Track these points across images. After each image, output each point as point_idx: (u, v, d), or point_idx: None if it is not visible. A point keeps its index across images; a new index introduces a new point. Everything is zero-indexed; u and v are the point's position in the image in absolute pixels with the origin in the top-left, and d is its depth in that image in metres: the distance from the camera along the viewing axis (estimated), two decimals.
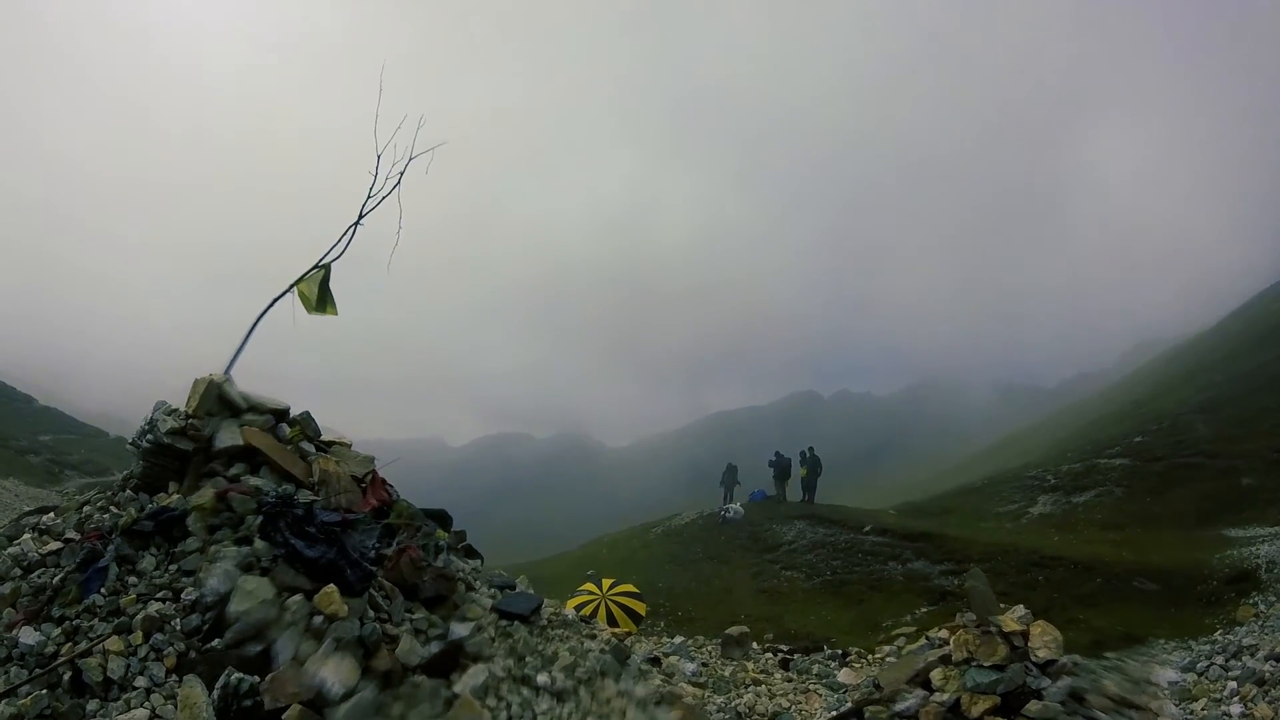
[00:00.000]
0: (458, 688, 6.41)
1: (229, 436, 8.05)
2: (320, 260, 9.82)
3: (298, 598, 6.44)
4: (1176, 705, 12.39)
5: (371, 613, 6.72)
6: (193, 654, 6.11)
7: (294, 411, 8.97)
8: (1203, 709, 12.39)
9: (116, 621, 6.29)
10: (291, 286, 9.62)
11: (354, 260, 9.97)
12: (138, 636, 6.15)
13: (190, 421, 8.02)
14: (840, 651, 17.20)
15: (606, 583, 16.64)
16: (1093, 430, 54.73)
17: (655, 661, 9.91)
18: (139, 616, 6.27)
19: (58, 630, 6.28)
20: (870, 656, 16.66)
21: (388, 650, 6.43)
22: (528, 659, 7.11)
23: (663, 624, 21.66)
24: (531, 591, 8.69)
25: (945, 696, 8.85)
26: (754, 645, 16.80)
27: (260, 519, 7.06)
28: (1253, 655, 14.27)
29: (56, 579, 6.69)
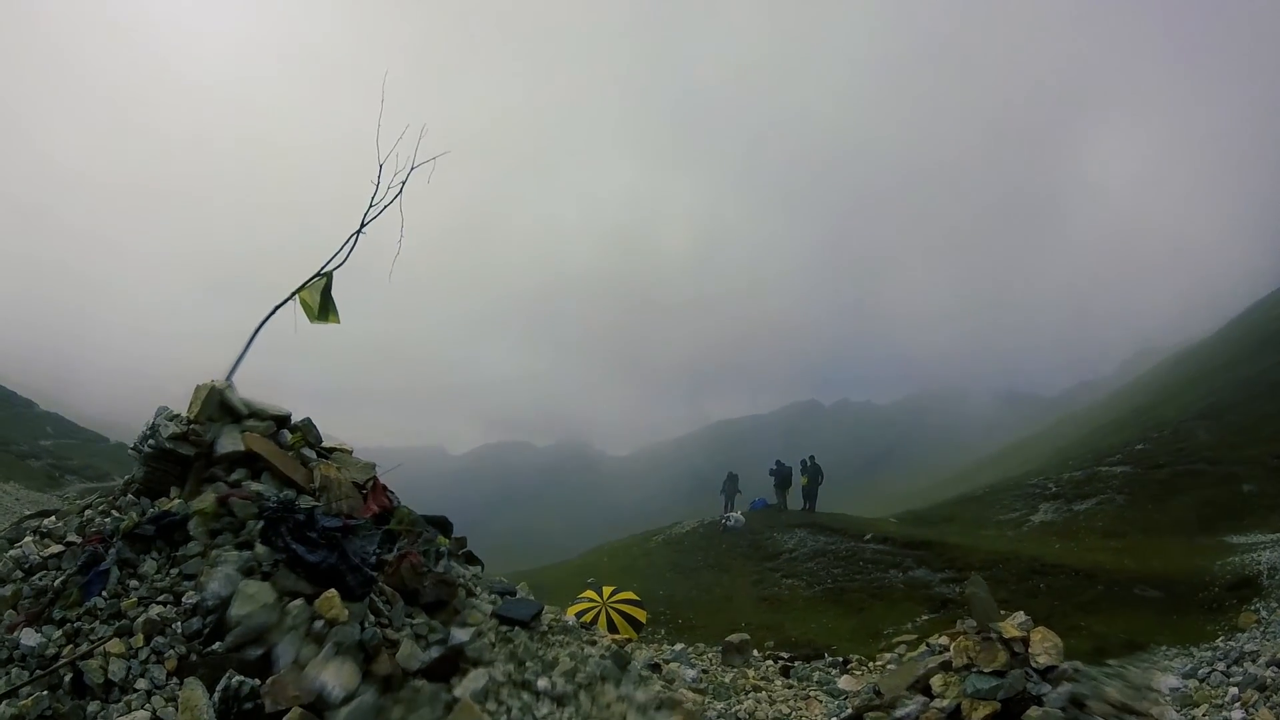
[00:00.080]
0: (458, 692, 6.42)
1: (230, 442, 8.08)
2: (322, 268, 9.86)
3: (299, 602, 6.46)
4: (1178, 711, 12.37)
5: (372, 617, 6.74)
6: (194, 657, 6.13)
7: (295, 418, 9.01)
8: (1204, 714, 12.37)
9: (118, 624, 6.31)
10: (293, 294, 9.66)
11: (355, 269, 10.00)
12: (139, 639, 6.18)
13: (192, 427, 8.05)
14: (841, 659, 17.18)
15: (607, 590, 16.64)
16: (1094, 438, 54.70)
17: (655, 668, 9.91)
18: (140, 619, 6.29)
19: (59, 632, 6.30)
20: (871, 664, 16.66)
21: (388, 655, 6.45)
22: (528, 664, 7.12)
23: (663, 631, 21.65)
24: (532, 598, 8.70)
25: (946, 702, 8.85)
26: (755, 653, 16.80)
27: (262, 524, 7.09)
28: (1254, 661, 14.25)
29: (58, 582, 6.71)
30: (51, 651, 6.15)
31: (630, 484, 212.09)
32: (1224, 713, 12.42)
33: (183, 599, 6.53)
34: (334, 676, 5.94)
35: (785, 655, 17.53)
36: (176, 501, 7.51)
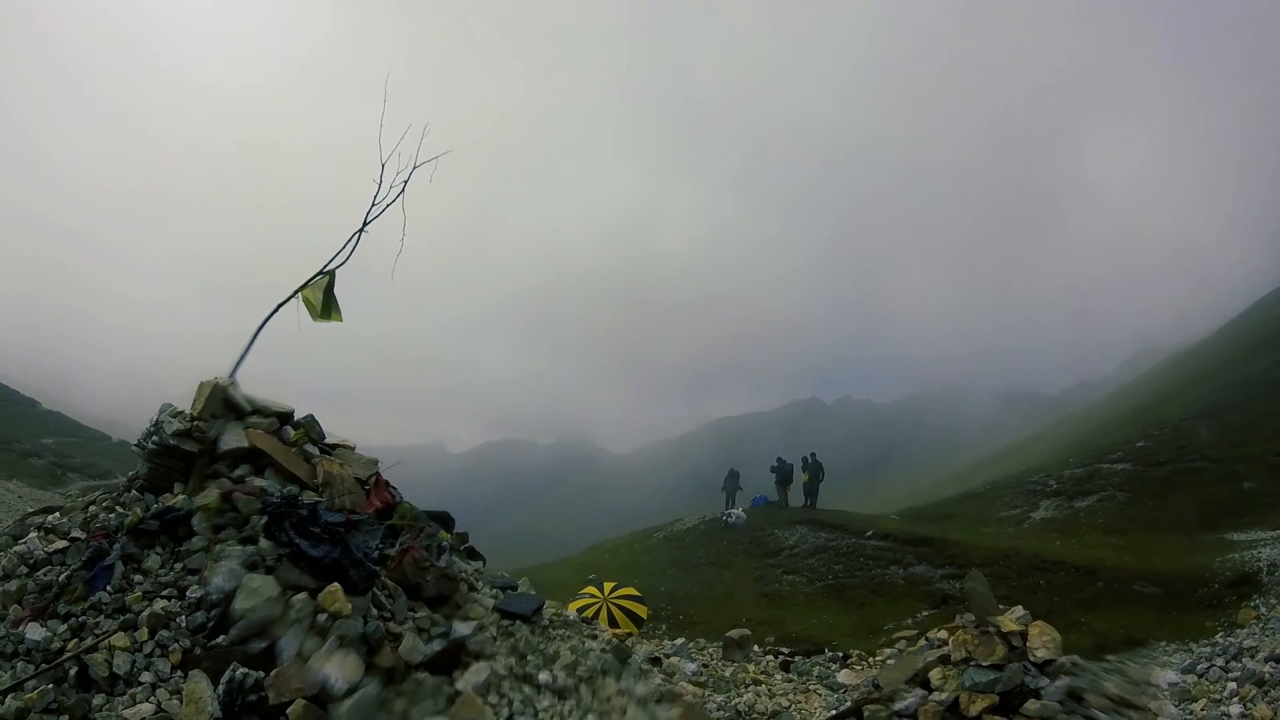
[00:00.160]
0: (460, 685, 6.47)
1: (234, 439, 8.13)
2: (324, 267, 9.91)
3: (302, 596, 6.51)
4: (1176, 706, 12.43)
5: (375, 611, 6.79)
6: (198, 650, 6.18)
7: (297, 415, 9.06)
8: (1202, 709, 12.43)
9: (122, 618, 6.36)
10: (296, 293, 9.70)
11: (357, 269, 10.04)
12: (143, 633, 6.23)
13: (195, 424, 8.09)
14: (841, 654, 17.22)
15: (608, 586, 16.69)
16: (1095, 436, 54.74)
17: (656, 662, 9.97)
18: (145, 613, 6.34)
19: (64, 626, 6.34)
20: (871, 659, 16.70)
21: (391, 648, 6.50)
22: (529, 657, 7.17)
23: (664, 627, 21.70)
24: (533, 593, 8.75)
25: (944, 696, 8.90)
26: (755, 648, 16.84)
27: (265, 519, 7.14)
28: (1253, 657, 14.31)
29: (62, 577, 6.76)
30: (56, 645, 6.20)
31: (631, 482, 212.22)
32: (1222, 707, 12.48)
33: (187, 593, 6.58)
34: (337, 669, 5.99)
35: (786, 651, 17.58)
36: (180, 497, 7.55)
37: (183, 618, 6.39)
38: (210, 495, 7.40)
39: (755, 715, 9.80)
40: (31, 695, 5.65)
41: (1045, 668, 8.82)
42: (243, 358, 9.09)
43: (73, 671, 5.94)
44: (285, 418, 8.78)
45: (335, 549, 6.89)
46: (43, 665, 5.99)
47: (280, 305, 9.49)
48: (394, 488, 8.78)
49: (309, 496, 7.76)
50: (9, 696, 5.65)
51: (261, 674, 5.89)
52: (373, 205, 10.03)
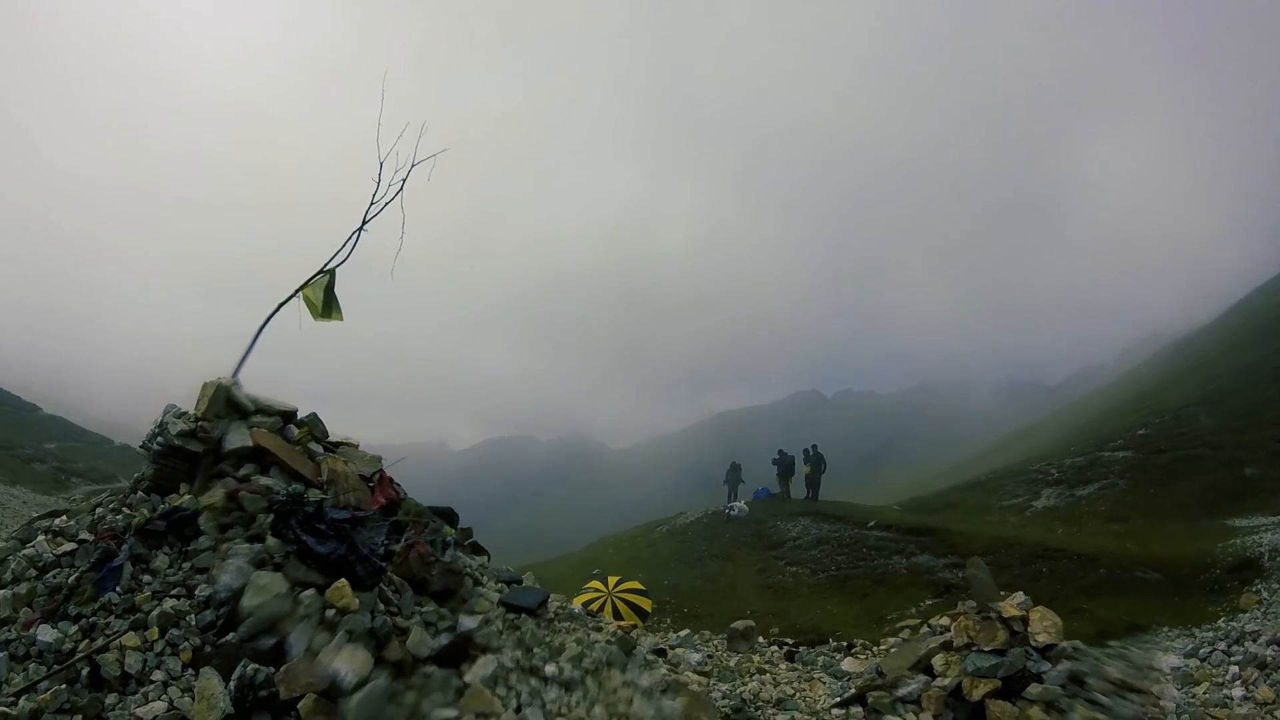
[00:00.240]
0: (468, 677, 6.54)
1: (238, 438, 8.19)
2: (325, 266, 9.95)
3: (310, 592, 6.58)
4: (1179, 690, 12.49)
5: (382, 606, 6.86)
6: (208, 648, 6.24)
7: (300, 415, 9.11)
8: (1205, 692, 12.48)
9: (132, 618, 6.43)
10: (297, 292, 9.75)
11: (357, 268, 10.10)
12: (153, 632, 6.29)
13: (200, 424, 8.16)
14: (845, 644, 17.28)
15: (613, 580, 16.75)
16: (1096, 424, 54.76)
17: (661, 653, 10.04)
18: (154, 613, 6.41)
19: (75, 628, 6.41)
20: (875, 648, 16.75)
21: (399, 642, 6.57)
22: (535, 650, 7.25)
23: (669, 621, 21.76)
24: (538, 586, 8.82)
25: (947, 681, 8.97)
26: (759, 639, 16.89)
27: (272, 517, 7.21)
28: (1254, 641, 14.35)
29: (72, 579, 6.83)
30: (68, 646, 6.27)
31: (633, 478, 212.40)
32: (1224, 690, 12.54)
33: (195, 592, 6.65)
34: (347, 663, 6.06)
35: (790, 641, 17.63)
36: (186, 497, 7.61)
37: (192, 616, 6.45)
38: (216, 495, 7.46)
39: (760, 703, 9.86)
40: (45, 696, 5.71)
41: (1046, 652, 8.89)
42: (245, 357, 9.14)
43: (85, 672, 6.01)
44: (289, 417, 8.84)
45: (342, 545, 6.96)
46: (55, 666, 6.05)
47: (281, 304, 9.54)
48: (398, 484, 8.85)
49: (314, 494, 7.82)
50: (23, 698, 5.72)
51: (272, 669, 5.96)
52: (371, 204, 10.07)
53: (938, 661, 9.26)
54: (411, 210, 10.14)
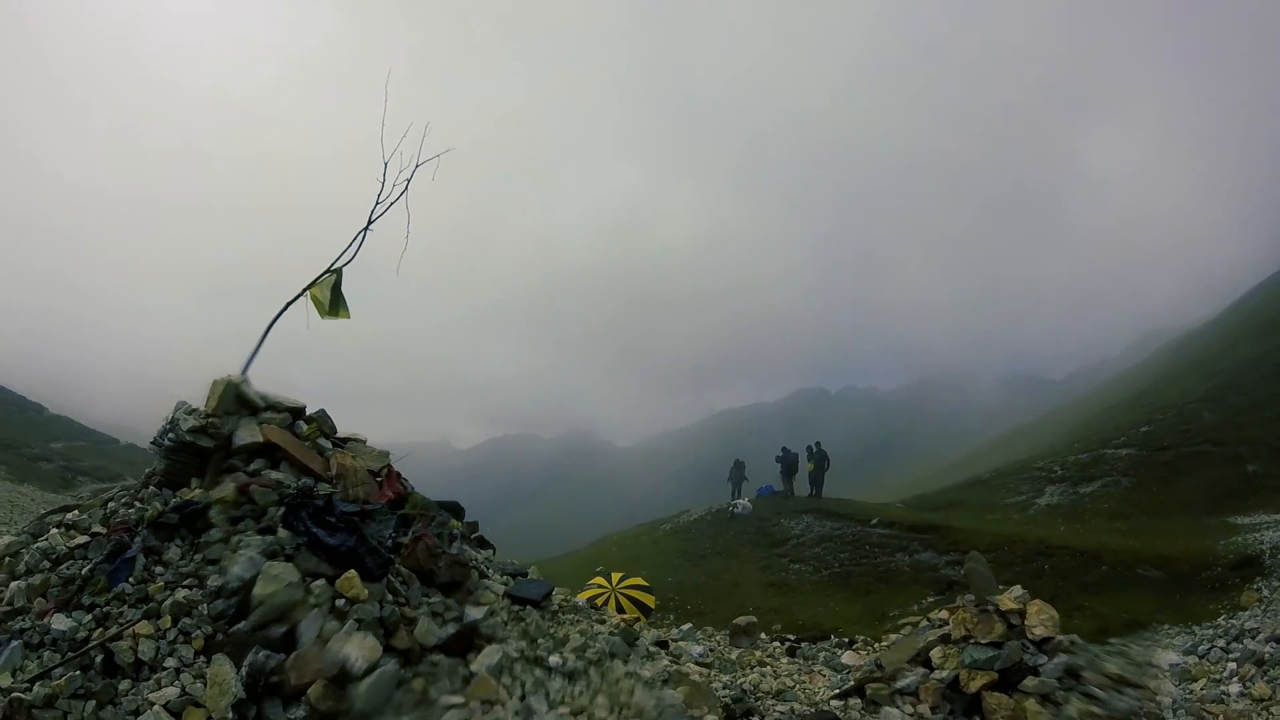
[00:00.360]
0: (474, 666, 6.67)
1: (248, 434, 8.32)
2: (331, 265, 10.07)
3: (320, 582, 6.72)
4: (1176, 686, 12.58)
5: (390, 597, 7.00)
6: (219, 636, 6.38)
7: (308, 411, 9.24)
8: (1202, 688, 12.56)
9: (145, 607, 6.57)
10: (304, 291, 9.87)
11: (362, 268, 10.22)
12: (166, 621, 6.43)
13: (210, 420, 8.29)
14: (847, 640, 17.34)
15: (616, 576, 16.83)
16: (1099, 421, 54.73)
17: (663, 645, 10.15)
18: (167, 602, 6.55)
19: (88, 617, 6.56)
20: (876, 644, 16.82)
21: (407, 631, 6.71)
22: (540, 641, 7.37)
23: (672, 617, 21.81)
24: (543, 579, 8.95)
25: (945, 673, 9.05)
26: (762, 635, 16.96)
27: (282, 510, 7.35)
28: (1253, 638, 14.41)
29: (85, 570, 6.97)
30: (82, 635, 6.40)
31: (636, 475, 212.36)
32: (1221, 687, 12.62)
33: (207, 582, 6.78)
34: (357, 649, 6.19)
35: (792, 637, 17.71)
36: (198, 491, 7.76)
37: (204, 606, 6.59)
38: (227, 489, 7.60)
39: (760, 694, 9.96)
40: (59, 682, 5.86)
41: (1043, 645, 8.96)
42: (254, 355, 9.26)
43: (99, 659, 6.15)
44: (298, 413, 8.98)
45: (351, 537, 7.09)
46: (69, 654, 6.18)
47: (289, 303, 9.67)
48: (405, 479, 8.97)
49: (323, 488, 7.96)
50: (37, 684, 5.85)
51: (283, 656, 6.10)
52: (376, 204, 10.19)
53: (936, 654, 9.35)
54: (415, 211, 10.26)
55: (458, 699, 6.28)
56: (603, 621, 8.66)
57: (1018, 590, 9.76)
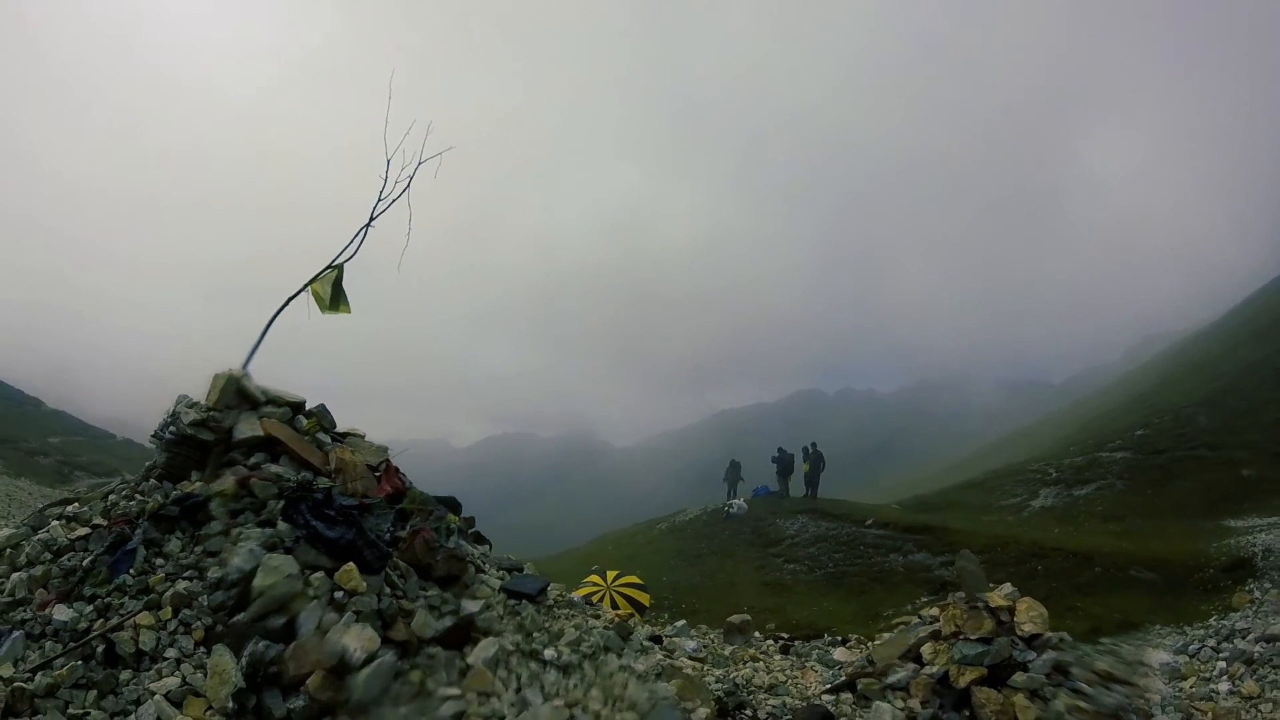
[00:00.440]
0: (470, 659, 6.76)
1: (249, 428, 8.41)
2: (333, 261, 10.16)
3: (319, 574, 6.82)
4: (1166, 684, 12.70)
5: (388, 590, 7.09)
6: (219, 627, 6.47)
7: (307, 407, 9.32)
8: (1191, 686, 12.69)
9: (146, 599, 6.65)
10: (305, 286, 9.96)
11: (363, 265, 10.30)
12: (167, 612, 6.53)
13: (211, 414, 8.37)
14: (841, 638, 17.42)
15: (611, 574, 16.91)
16: (1096, 424, 54.82)
17: (657, 640, 10.25)
18: (167, 594, 6.64)
19: (90, 608, 6.65)
20: (869, 643, 16.91)
21: (404, 623, 6.81)
22: (535, 635, 7.47)
23: (666, 616, 21.85)
24: (538, 575, 9.04)
25: (935, 669, 9.16)
26: (756, 634, 17.04)
27: (282, 503, 7.44)
28: (1244, 638, 14.55)
29: (86, 561, 7.06)
30: (83, 625, 6.49)
31: (635, 474, 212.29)
32: (1211, 685, 12.74)
33: (207, 574, 6.87)
34: (355, 640, 6.28)
35: (786, 636, 17.78)
36: (198, 484, 7.84)
37: (204, 597, 6.68)
38: (227, 482, 7.69)
39: (753, 689, 10.06)
40: (61, 672, 5.94)
41: (1032, 642, 9.08)
42: (254, 350, 9.34)
43: (100, 649, 6.23)
44: (298, 408, 9.06)
45: (350, 530, 7.19)
46: (70, 644, 6.27)
47: (291, 298, 9.75)
48: (403, 474, 9.06)
49: (323, 482, 8.05)
50: (39, 673, 5.93)
51: (282, 647, 6.19)
52: (379, 200, 10.28)
53: (926, 650, 9.46)
54: (417, 209, 10.34)
55: (454, 690, 6.37)
56: (597, 616, 8.77)
57: (1008, 587, 9.88)
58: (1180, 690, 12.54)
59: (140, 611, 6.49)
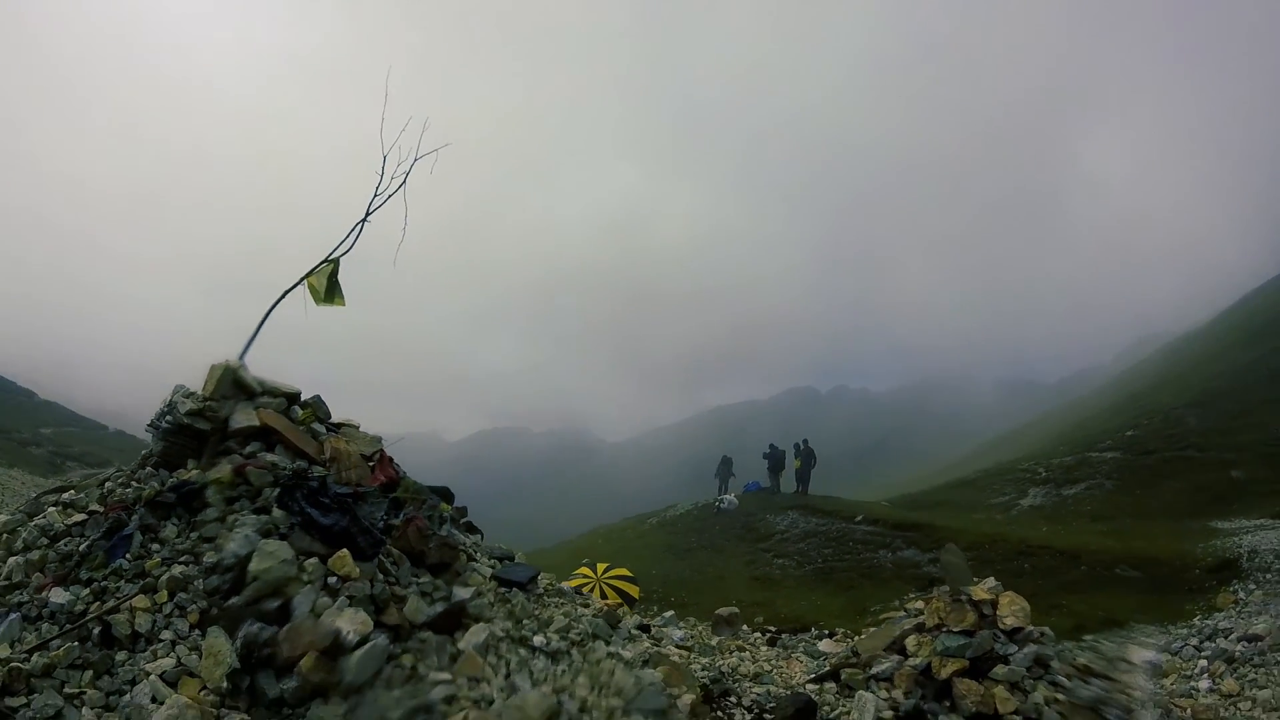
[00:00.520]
0: (461, 644, 6.87)
1: (244, 417, 8.52)
2: (329, 255, 10.27)
3: (314, 560, 6.94)
4: (1149, 681, 12.87)
5: (381, 576, 7.21)
6: (214, 610, 6.59)
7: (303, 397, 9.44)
8: (1172, 683, 12.87)
9: (142, 583, 6.76)
10: (302, 279, 10.07)
11: (359, 261, 10.40)
12: (163, 595, 6.63)
13: (208, 403, 8.48)
14: (828, 632, 17.57)
15: (601, 567, 17.07)
16: (1086, 425, 55.13)
17: (645, 629, 10.39)
18: (163, 578, 6.74)
19: (86, 591, 6.75)
20: (856, 637, 17.07)
21: (396, 608, 6.93)
22: (525, 622, 7.58)
23: (656, 609, 21.99)
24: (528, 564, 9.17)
25: (918, 660, 9.30)
26: (744, 627, 17.18)
27: (277, 490, 7.56)
28: (1226, 637, 14.74)
29: (83, 547, 7.17)
30: (80, 608, 6.59)
31: (628, 470, 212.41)
32: (1191, 683, 12.93)
33: (203, 559, 6.99)
34: (349, 623, 6.40)
35: (773, 629, 17.94)
36: (194, 472, 7.95)
37: (199, 581, 6.79)
38: (223, 470, 7.81)
39: (738, 676, 10.20)
40: (57, 652, 6.04)
41: (1014, 635, 9.22)
42: (251, 341, 9.44)
43: (96, 631, 6.34)
44: (293, 398, 9.17)
45: (344, 518, 7.31)
46: (67, 626, 6.37)
47: (287, 291, 9.85)
48: (397, 464, 9.18)
49: (317, 471, 8.17)
50: (36, 654, 6.03)
51: (276, 629, 6.31)
52: (375, 196, 10.38)
53: (910, 642, 9.60)
54: (414, 208, 10.43)
55: (445, 675, 6.47)
56: (586, 605, 8.89)
57: (991, 581, 10.02)
58: (1162, 687, 12.70)
59: (136, 595, 6.59)
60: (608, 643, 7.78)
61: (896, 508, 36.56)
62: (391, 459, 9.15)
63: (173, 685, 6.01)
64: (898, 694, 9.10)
